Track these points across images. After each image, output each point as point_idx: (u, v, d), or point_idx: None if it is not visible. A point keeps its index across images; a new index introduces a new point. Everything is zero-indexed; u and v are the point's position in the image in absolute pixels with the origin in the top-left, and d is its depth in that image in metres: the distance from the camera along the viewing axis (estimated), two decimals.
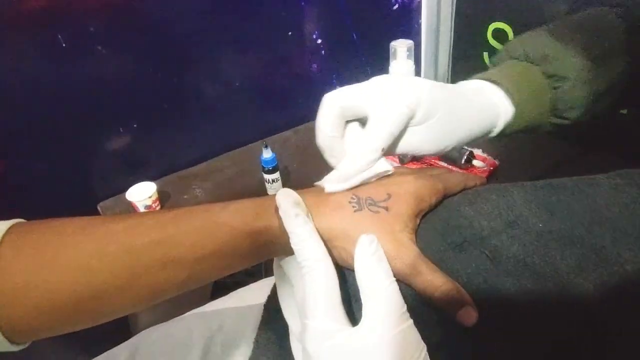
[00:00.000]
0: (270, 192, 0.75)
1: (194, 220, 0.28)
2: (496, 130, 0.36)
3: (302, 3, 0.85)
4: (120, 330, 0.55)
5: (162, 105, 0.79)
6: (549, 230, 0.30)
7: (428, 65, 1.06)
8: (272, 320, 0.41)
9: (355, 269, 0.27)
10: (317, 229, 0.28)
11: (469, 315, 0.27)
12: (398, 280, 0.27)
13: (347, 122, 0.32)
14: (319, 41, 0.91)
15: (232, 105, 0.87)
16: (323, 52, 0.92)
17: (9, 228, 0.27)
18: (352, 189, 0.31)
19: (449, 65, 1.01)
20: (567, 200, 0.32)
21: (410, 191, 0.31)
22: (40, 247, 0.27)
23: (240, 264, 0.30)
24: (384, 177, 0.32)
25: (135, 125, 0.78)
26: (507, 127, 0.36)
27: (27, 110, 0.68)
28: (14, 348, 0.27)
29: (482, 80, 0.37)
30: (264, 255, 0.30)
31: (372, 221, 0.29)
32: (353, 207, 0.30)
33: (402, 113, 0.30)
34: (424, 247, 0.30)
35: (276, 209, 0.28)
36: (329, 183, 0.31)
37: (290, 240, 0.27)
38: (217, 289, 0.59)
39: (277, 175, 0.73)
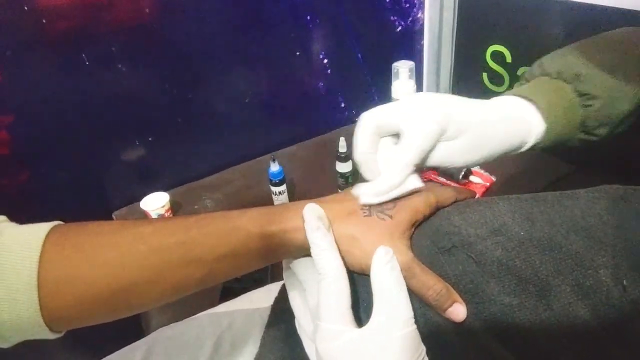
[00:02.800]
0: (276, 203, 0.78)
1: (214, 224, 0.32)
2: (527, 146, 0.38)
3: (310, 25, 0.90)
4: (134, 330, 0.58)
5: (176, 120, 0.84)
6: (529, 237, 0.34)
7: (430, 85, 1.10)
8: (278, 320, 0.44)
9: (371, 276, 0.30)
10: (333, 232, 0.32)
11: (458, 312, 0.30)
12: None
13: (382, 137, 0.35)
14: (325, 61, 0.96)
15: (242, 121, 0.91)
16: (329, 71, 0.97)
17: (51, 228, 0.31)
18: None
19: (450, 85, 1.06)
20: (548, 211, 0.35)
21: (411, 203, 0.34)
22: (80, 245, 0.30)
23: (253, 264, 0.33)
24: None
25: (150, 139, 0.82)
26: (537, 143, 0.38)
27: (49, 123, 0.73)
28: (52, 336, 0.31)
29: (514, 96, 0.38)
30: (275, 257, 0.34)
31: (378, 227, 0.33)
32: (364, 212, 0.34)
33: (432, 130, 0.33)
34: (418, 252, 0.34)
35: (289, 217, 0.32)
36: (364, 195, 0.34)
37: (311, 250, 0.30)
38: (225, 294, 0.62)
39: (283, 187, 0.76)
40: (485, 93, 0.95)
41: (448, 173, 0.79)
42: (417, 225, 0.36)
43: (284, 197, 0.77)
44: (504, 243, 0.34)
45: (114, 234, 0.31)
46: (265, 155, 0.95)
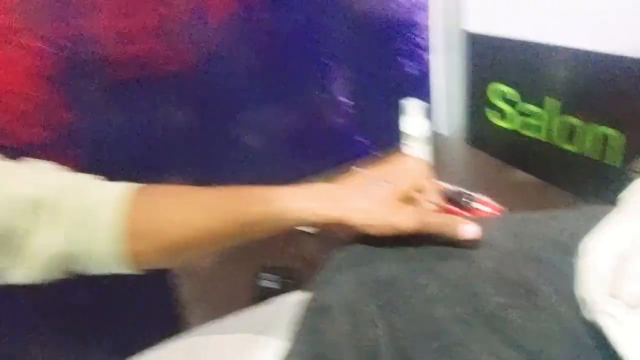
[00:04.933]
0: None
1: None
2: None
3: (329, 67, 1.01)
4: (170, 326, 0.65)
5: (210, 151, 0.94)
6: (517, 249, 0.41)
7: (441, 122, 1.19)
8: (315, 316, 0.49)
9: None
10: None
11: (468, 229, 0.40)
12: None
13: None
14: (345, 99, 1.06)
15: (268, 154, 1.01)
16: (348, 109, 1.07)
17: (141, 186, 0.43)
18: None
19: (459, 122, 1.14)
20: (531, 227, 0.42)
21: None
22: (165, 200, 0.43)
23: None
24: None
25: (187, 169, 0.92)
26: None
27: (99, 152, 0.83)
28: (131, 272, 0.43)
29: None
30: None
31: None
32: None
33: None
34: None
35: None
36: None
37: None
38: (263, 295, 0.68)
39: None
40: (493, 131, 1.03)
41: (454, 200, 0.86)
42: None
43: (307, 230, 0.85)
44: (494, 254, 0.41)
45: (188, 195, 0.44)
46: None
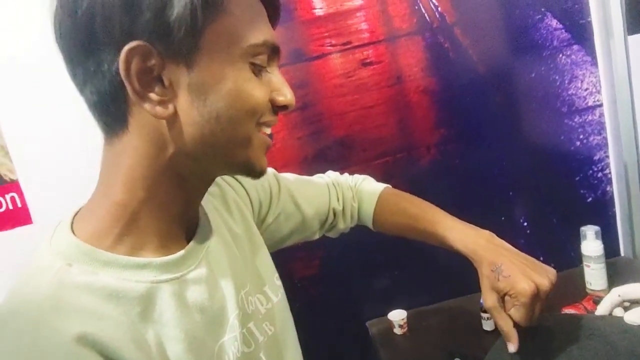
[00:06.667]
0: (485, 326, 1.06)
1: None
2: None
3: (511, 194, 1.24)
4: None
5: (403, 262, 1.24)
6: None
7: (626, 248, 1.27)
8: None
9: None
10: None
11: (510, 345, 0.57)
12: None
13: None
14: (525, 224, 1.26)
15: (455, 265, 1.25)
16: (528, 231, 1.26)
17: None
18: None
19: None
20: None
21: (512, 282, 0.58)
22: (402, 199, 0.77)
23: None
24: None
25: (389, 270, 1.23)
26: None
27: (337, 257, 1.21)
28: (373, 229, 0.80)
29: None
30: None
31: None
32: (491, 268, 0.61)
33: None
34: (564, 335, 0.61)
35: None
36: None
37: None
38: None
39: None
40: None
41: None
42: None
43: (491, 322, 1.05)
44: (630, 337, 0.58)
45: (413, 201, 0.76)
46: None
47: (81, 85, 0.43)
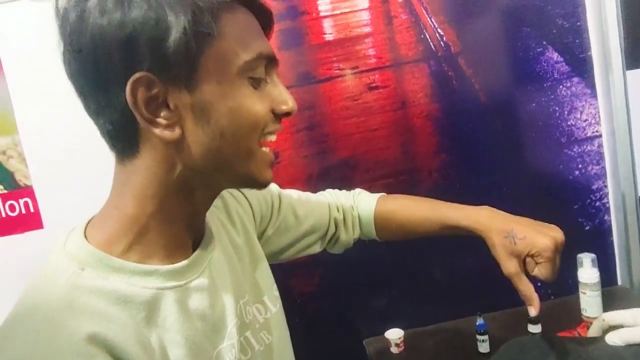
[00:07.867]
0: (480, 349, 1.07)
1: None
2: None
3: None
4: None
5: (402, 281, 1.25)
6: None
7: (623, 276, 1.28)
8: None
9: None
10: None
11: (532, 308, 0.60)
12: None
13: None
14: None
15: (456, 290, 1.27)
16: None
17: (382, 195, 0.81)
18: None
19: (638, 275, 1.22)
20: None
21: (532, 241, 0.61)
22: (399, 197, 0.79)
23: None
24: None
25: (387, 290, 1.25)
26: None
27: (333, 280, 1.23)
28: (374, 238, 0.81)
29: None
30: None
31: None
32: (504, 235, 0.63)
33: None
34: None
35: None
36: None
37: None
38: None
39: (485, 337, 1.06)
40: None
41: None
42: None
43: (486, 344, 1.06)
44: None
45: (415, 200, 0.78)
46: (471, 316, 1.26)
47: (95, 116, 0.45)
